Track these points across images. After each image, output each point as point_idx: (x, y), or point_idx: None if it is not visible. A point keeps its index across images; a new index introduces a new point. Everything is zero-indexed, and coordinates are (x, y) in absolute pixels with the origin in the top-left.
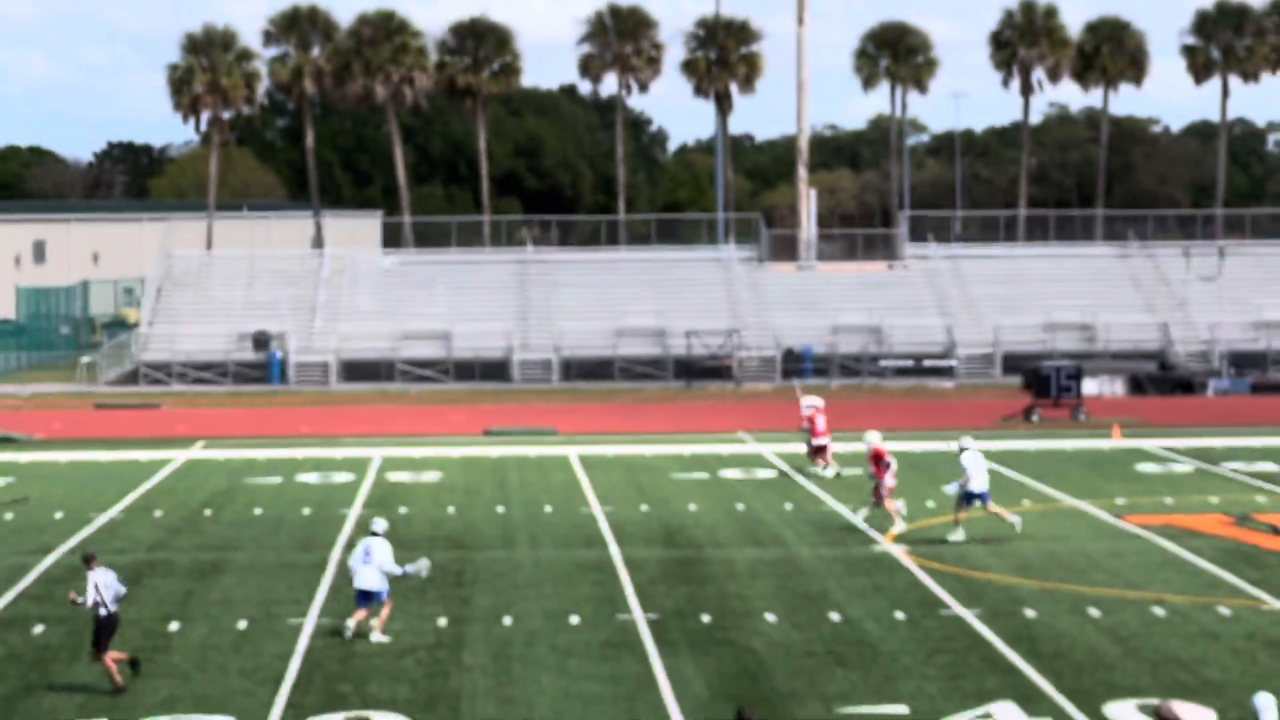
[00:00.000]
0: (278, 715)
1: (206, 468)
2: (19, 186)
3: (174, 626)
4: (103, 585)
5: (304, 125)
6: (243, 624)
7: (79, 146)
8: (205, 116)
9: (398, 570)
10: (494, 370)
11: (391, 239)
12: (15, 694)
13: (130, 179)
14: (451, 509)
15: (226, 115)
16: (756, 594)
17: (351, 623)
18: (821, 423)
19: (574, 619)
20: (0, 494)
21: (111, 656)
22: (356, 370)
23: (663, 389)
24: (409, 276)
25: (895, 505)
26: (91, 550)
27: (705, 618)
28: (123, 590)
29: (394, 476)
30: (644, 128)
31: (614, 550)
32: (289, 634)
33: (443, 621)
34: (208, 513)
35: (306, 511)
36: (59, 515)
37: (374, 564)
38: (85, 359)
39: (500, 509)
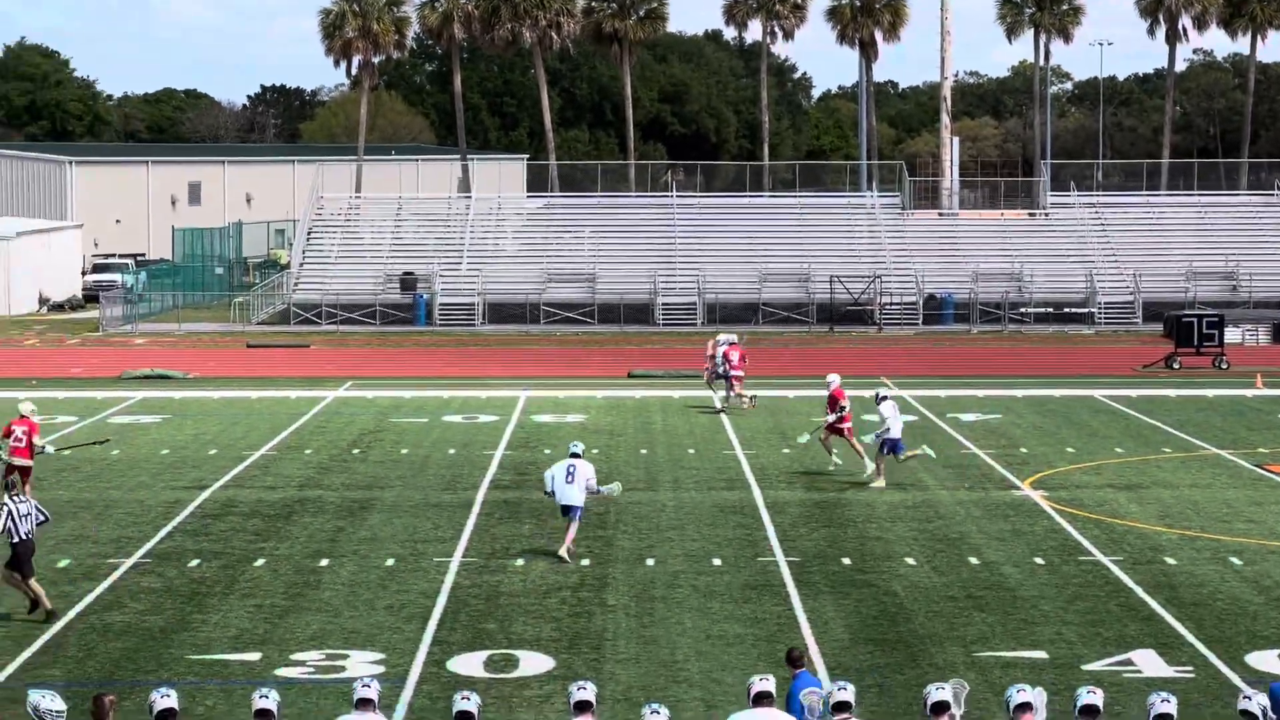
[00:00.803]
0: (424, 652)
1: (355, 407)
2: (175, 130)
3: (324, 563)
4: (18, 514)
5: (452, 70)
6: (390, 561)
7: (233, 90)
8: (356, 61)
9: (597, 487)
10: (638, 313)
11: (537, 183)
12: (172, 626)
13: (282, 122)
14: (595, 450)
15: (376, 60)
16: (896, 537)
17: (567, 541)
18: (736, 357)
19: (716, 561)
20: (155, 430)
21: (29, 586)
22: (501, 312)
23: (805, 333)
24: (554, 220)
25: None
26: (14, 478)
27: (845, 560)
28: (43, 517)
29: (539, 418)
30: (788, 74)
31: (756, 493)
32: (435, 572)
33: (586, 562)
34: (356, 452)
35: (452, 451)
36: (213, 452)
37: (577, 482)
38: (238, 299)
39: (644, 451)
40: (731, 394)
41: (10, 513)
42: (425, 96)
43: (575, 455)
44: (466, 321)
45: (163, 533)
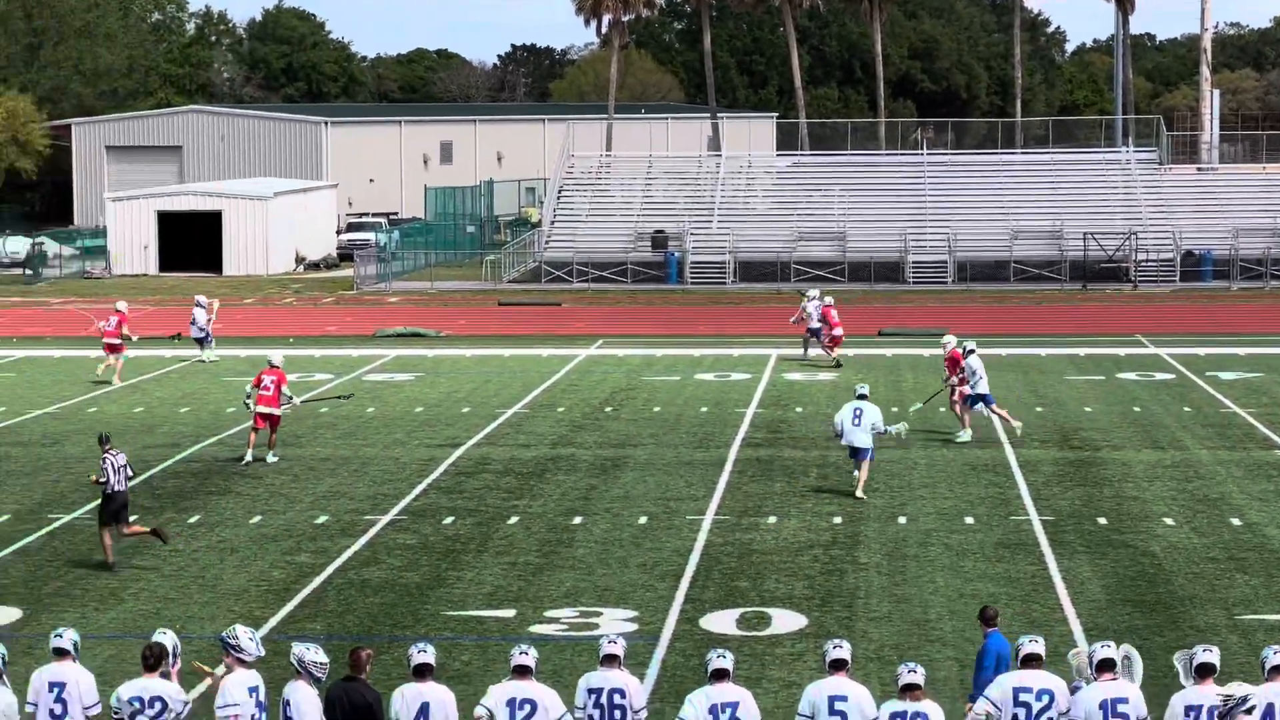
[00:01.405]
0: (677, 609)
1: (606, 365)
2: (427, 90)
3: (577, 521)
4: (114, 466)
5: (701, 28)
6: (643, 519)
7: (484, 50)
8: (606, 20)
9: (883, 428)
10: (888, 271)
11: (787, 141)
12: (428, 582)
13: (532, 81)
14: None
15: (626, 19)
16: (1154, 496)
17: (860, 483)
18: (835, 314)
19: (968, 519)
20: (409, 388)
21: (132, 530)
22: (752, 270)
23: (1057, 291)
24: (804, 178)
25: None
26: (107, 433)
27: (1101, 520)
28: (130, 473)
29: (790, 376)
30: (1041, 28)
31: (1008, 451)
32: (688, 530)
33: (838, 520)
34: (608, 410)
35: (704, 409)
36: (465, 410)
37: (864, 424)
38: (489, 257)
39: (894, 409)
40: (826, 352)
41: (110, 465)
42: (674, 55)
43: (862, 397)
44: (717, 279)
45: (418, 490)
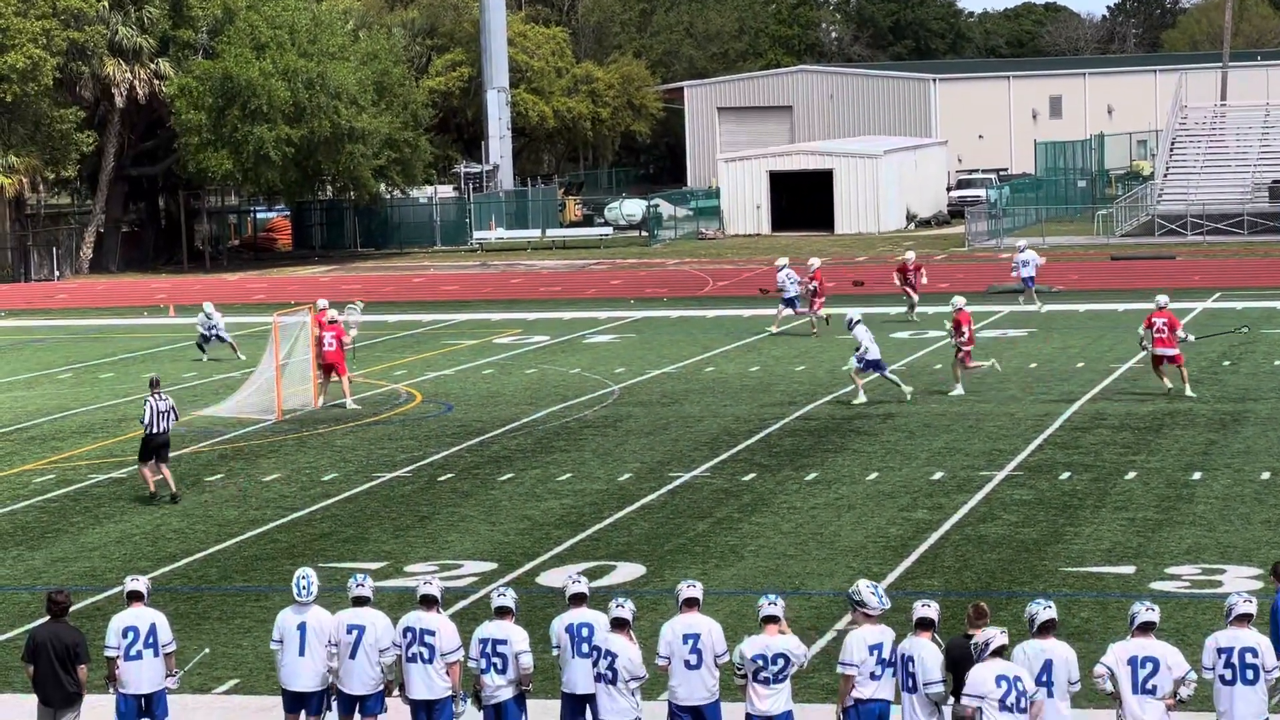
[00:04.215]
0: None
1: (1223, 319)
2: (1034, 44)
3: (1196, 476)
4: (154, 410)
5: None
6: (1265, 475)
7: (1093, 1)
8: None
9: None
10: None
11: None
12: (1045, 538)
13: (1143, 31)
14: None
15: None
16: None
17: None
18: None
19: None
20: (1023, 344)
21: (164, 473)
22: None
23: None
24: None
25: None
26: (155, 376)
27: None
28: (175, 417)
29: None
30: None
31: None
32: None
33: None
34: (1226, 364)
35: None
36: (1080, 365)
37: None
38: (1100, 212)
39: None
40: (811, 313)
41: (152, 408)
42: None
43: None
44: None
45: (1033, 445)
